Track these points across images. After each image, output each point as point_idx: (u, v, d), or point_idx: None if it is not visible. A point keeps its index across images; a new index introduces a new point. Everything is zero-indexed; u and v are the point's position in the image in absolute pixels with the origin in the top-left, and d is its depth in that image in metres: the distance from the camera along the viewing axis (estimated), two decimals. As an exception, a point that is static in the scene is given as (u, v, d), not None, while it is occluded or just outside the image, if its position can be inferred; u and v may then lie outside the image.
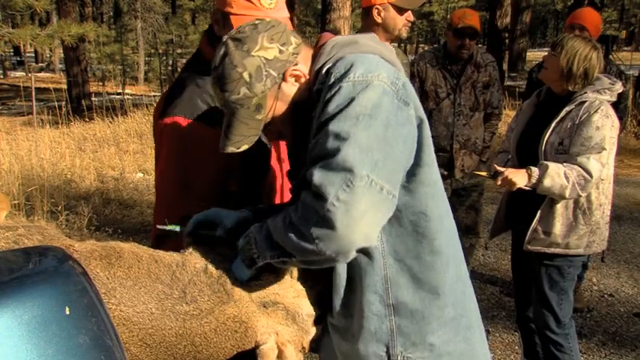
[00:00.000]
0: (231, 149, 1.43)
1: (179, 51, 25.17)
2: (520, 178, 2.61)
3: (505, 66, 20.61)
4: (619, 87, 2.72)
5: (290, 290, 1.46)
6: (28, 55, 33.32)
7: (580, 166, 2.58)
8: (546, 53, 2.77)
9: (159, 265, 1.33)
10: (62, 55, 20.38)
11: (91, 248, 1.30)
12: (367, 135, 1.23)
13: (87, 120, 11.68)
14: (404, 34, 3.10)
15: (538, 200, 2.73)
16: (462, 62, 3.80)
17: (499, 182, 2.64)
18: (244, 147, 1.44)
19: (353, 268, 1.45)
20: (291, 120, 1.46)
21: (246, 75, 1.36)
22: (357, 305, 1.48)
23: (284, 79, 1.40)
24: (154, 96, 15.62)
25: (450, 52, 3.81)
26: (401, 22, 3.05)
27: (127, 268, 1.29)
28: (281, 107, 1.43)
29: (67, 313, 0.78)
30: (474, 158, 3.93)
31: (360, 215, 1.20)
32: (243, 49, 1.36)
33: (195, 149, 1.79)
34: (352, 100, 1.26)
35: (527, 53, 23.79)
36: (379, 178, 1.23)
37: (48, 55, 32.81)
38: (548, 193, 2.63)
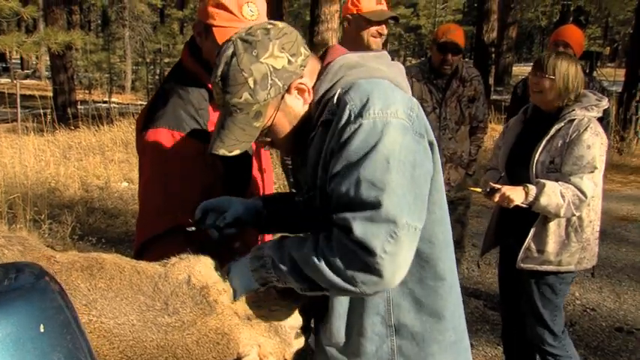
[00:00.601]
0: (222, 152, 1.41)
1: (167, 60, 25.09)
2: (517, 195, 2.62)
3: (491, 80, 20.80)
4: (605, 103, 2.76)
5: (273, 302, 1.46)
6: (13, 61, 33.07)
7: (574, 186, 2.61)
8: (532, 76, 2.77)
9: (141, 276, 1.32)
10: (48, 62, 20.27)
11: (73, 259, 1.29)
12: (400, 181, 1.25)
13: (72, 128, 11.62)
14: (373, 46, 3.15)
15: (529, 218, 2.75)
16: (447, 76, 3.83)
17: (496, 199, 2.64)
18: (236, 152, 1.42)
19: None
20: (288, 134, 1.44)
21: (251, 81, 1.33)
22: (357, 325, 1.49)
23: (288, 90, 1.38)
24: (141, 105, 15.56)
25: (434, 67, 3.84)
26: (368, 34, 3.13)
27: (108, 280, 1.28)
28: (280, 118, 1.41)
29: (42, 330, 0.78)
30: (460, 172, 3.96)
31: (404, 261, 1.26)
32: (253, 54, 1.33)
33: (179, 160, 1.79)
34: (378, 142, 1.25)
35: (513, 68, 24.07)
36: (414, 220, 1.26)
37: (34, 62, 32.59)
38: (543, 211, 2.65)
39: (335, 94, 1.35)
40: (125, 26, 24.19)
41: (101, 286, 1.27)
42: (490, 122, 11.61)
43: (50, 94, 17.04)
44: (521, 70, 24.97)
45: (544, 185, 2.60)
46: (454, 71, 3.84)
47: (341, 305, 1.49)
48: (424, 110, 4.41)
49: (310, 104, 1.42)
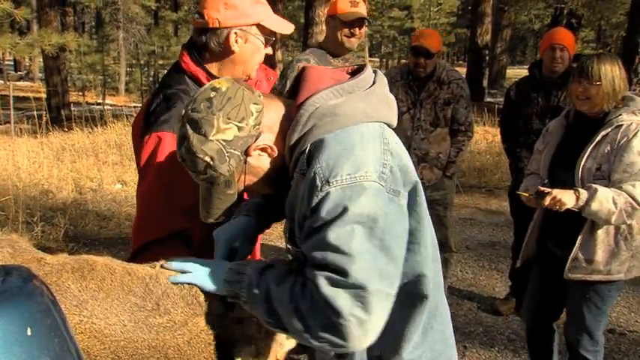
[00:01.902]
0: (210, 221, 1.45)
1: (161, 62, 25.08)
2: (569, 199, 2.54)
3: (485, 83, 20.90)
4: None
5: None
6: (6, 63, 32.98)
7: (627, 193, 2.52)
8: (576, 84, 2.66)
9: (132, 277, 1.33)
10: (42, 64, 20.21)
11: (64, 261, 1.29)
12: (368, 247, 1.23)
13: (66, 130, 11.58)
14: (346, 45, 3.31)
15: (575, 225, 2.68)
16: (423, 79, 3.95)
17: (547, 202, 2.56)
18: (222, 217, 1.46)
19: None
20: (266, 184, 1.44)
21: (208, 159, 1.33)
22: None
23: (247, 154, 1.37)
24: (135, 107, 15.52)
25: (411, 69, 3.97)
26: (342, 35, 3.29)
27: (99, 281, 1.28)
28: (251, 179, 1.40)
29: (29, 334, 0.78)
30: (435, 172, 4.03)
31: (373, 327, 1.24)
32: (201, 133, 1.32)
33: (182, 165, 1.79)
34: (345, 209, 1.23)
35: (507, 70, 24.14)
36: (385, 286, 1.24)
37: (27, 64, 32.50)
38: (594, 216, 2.56)
39: (306, 149, 1.31)
40: (119, 28, 24.15)
41: (92, 287, 1.27)
42: (484, 125, 11.71)
43: (44, 95, 17.01)
44: (515, 72, 25.06)
45: (596, 190, 2.52)
46: (430, 73, 3.95)
47: None
48: (399, 110, 4.53)
49: (283, 153, 1.38)
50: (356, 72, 1.46)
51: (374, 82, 1.41)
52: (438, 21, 29.91)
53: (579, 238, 2.67)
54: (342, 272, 1.22)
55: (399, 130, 4.52)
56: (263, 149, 1.37)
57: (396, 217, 1.29)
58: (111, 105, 18.04)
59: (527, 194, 2.76)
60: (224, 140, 1.32)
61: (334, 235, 1.22)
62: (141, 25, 24.37)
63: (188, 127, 1.34)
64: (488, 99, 19.01)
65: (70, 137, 10.85)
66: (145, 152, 1.85)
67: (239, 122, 1.33)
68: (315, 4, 10.34)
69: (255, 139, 1.36)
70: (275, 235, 5.78)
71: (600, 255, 2.65)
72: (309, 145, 1.31)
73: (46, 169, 8.11)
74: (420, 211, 1.39)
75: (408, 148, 3.89)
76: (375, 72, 1.45)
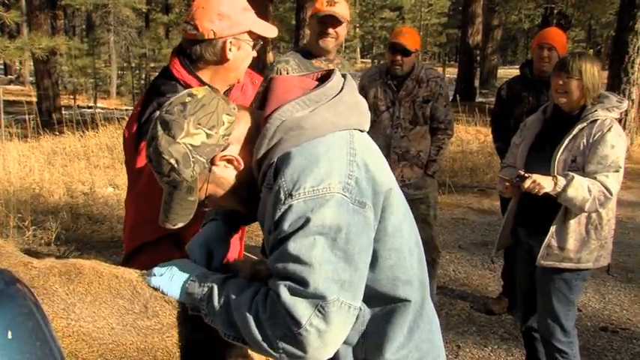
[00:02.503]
0: (168, 226, 1.43)
1: (152, 65, 24.98)
2: (547, 183, 2.67)
3: (477, 83, 20.96)
4: (625, 105, 2.83)
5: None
6: (-3, 67, 32.85)
7: (600, 183, 2.66)
8: (557, 78, 2.79)
9: (120, 280, 1.32)
10: (32, 67, 20.12)
11: (50, 265, 1.29)
12: (330, 258, 1.23)
13: (57, 134, 11.51)
14: (321, 45, 3.28)
15: (548, 215, 2.80)
16: (401, 77, 3.95)
17: (527, 184, 2.68)
18: (180, 224, 1.44)
19: None
20: (232, 199, 1.44)
21: (173, 161, 1.33)
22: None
23: (213, 163, 1.37)
24: (126, 110, 15.49)
25: (388, 68, 3.98)
26: (316, 34, 3.27)
27: (87, 284, 1.28)
28: (213, 189, 1.40)
29: (10, 337, 0.77)
30: (415, 170, 4.03)
31: (333, 339, 1.24)
32: (170, 135, 1.33)
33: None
34: (307, 220, 1.23)
35: (499, 70, 24.21)
36: (347, 298, 1.24)
37: (18, 68, 32.35)
38: (569, 203, 2.69)
39: (273, 163, 1.32)
40: (110, 31, 24.05)
41: (79, 290, 1.26)
42: (475, 125, 11.73)
43: (34, 99, 16.92)
44: (507, 72, 25.15)
45: (573, 177, 2.65)
46: (409, 72, 3.95)
47: None
48: (379, 109, 4.48)
49: (251, 167, 1.39)
50: (325, 77, 1.45)
51: (342, 89, 1.40)
52: (429, 21, 30.01)
53: (553, 226, 2.80)
54: (303, 282, 1.22)
55: (378, 128, 4.50)
56: (229, 161, 1.38)
57: (360, 228, 1.28)
58: (102, 108, 17.95)
59: (507, 178, 2.86)
60: (191, 145, 1.33)
61: (295, 245, 1.23)
62: (132, 28, 24.25)
63: (159, 127, 1.35)
64: (479, 99, 19.07)
65: (62, 141, 10.80)
66: (141, 157, 1.85)
67: (209, 130, 1.33)
68: (306, 6, 10.36)
69: (223, 149, 1.36)
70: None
71: (572, 243, 2.78)
72: (275, 159, 1.31)
73: (37, 172, 8.07)
74: (396, 217, 1.38)
75: (388, 146, 3.92)
76: (344, 76, 1.45)
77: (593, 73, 2.73)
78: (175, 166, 1.33)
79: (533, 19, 20.78)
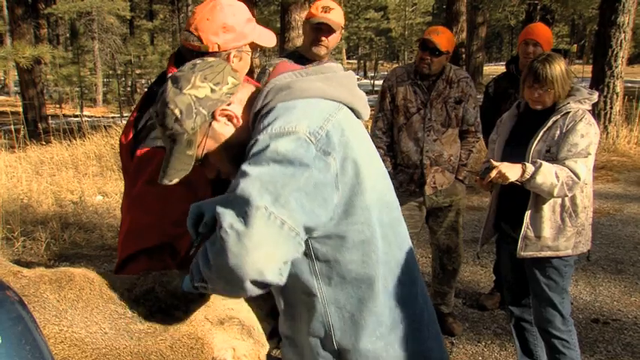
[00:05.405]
0: (165, 182, 1.49)
1: (138, 72, 24.92)
2: (513, 172, 2.71)
3: (463, 80, 21.02)
4: (595, 97, 2.93)
5: (244, 305, 1.47)
6: (-19, 78, 32.59)
7: (569, 168, 2.74)
8: (530, 89, 2.85)
9: (111, 286, 1.32)
10: (17, 77, 19.99)
11: (40, 273, 1.29)
12: (270, 172, 1.25)
13: (44, 143, 11.44)
14: (314, 51, 3.29)
15: (525, 205, 2.87)
16: (432, 78, 3.78)
17: (492, 174, 2.71)
18: (175, 180, 1.49)
19: (296, 305, 1.47)
20: (230, 159, 1.48)
21: (177, 111, 1.41)
22: (306, 346, 1.49)
23: (214, 117, 1.45)
24: (113, 117, 15.43)
25: (416, 67, 3.80)
26: (312, 42, 3.28)
27: (78, 290, 1.28)
28: (211, 145, 1.47)
29: None
30: (447, 176, 3.83)
31: (253, 247, 1.20)
32: (178, 87, 1.43)
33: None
34: (265, 147, 1.28)
35: (484, 67, 24.33)
36: (280, 213, 1.23)
37: (2, 78, 32.13)
38: (538, 189, 2.75)
39: (260, 116, 1.41)
40: (94, 39, 23.98)
41: (71, 296, 1.26)
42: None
43: (20, 109, 16.80)
44: (492, 69, 25.31)
45: (541, 164, 2.71)
46: (440, 72, 3.78)
47: (282, 306, 1.51)
48: (409, 111, 4.32)
49: (248, 127, 1.46)
50: None
51: (339, 74, 1.50)
52: (413, 21, 30.09)
53: (527, 214, 2.87)
54: (234, 187, 1.26)
55: (409, 131, 4.39)
56: (229, 117, 1.46)
57: (319, 166, 1.29)
58: (89, 116, 17.88)
59: (474, 172, 2.87)
60: (195, 96, 1.42)
61: (247, 167, 1.27)
62: (116, 35, 24.18)
63: (169, 82, 1.45)
64: (466, 96, 19.12)
65: (49, 150, 10.73)
66: (137, 164, 1.85)
67: (214, 85, 1.44)
68: (291, 9, 10.34)
69: (225, 105, 1.45)
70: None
71: (548, 231, 2.85)
72: (263, 113, 1.40)
73: (24, 183, 8.02)
74: (361, 194, 1.38)
75: (420, 150, 3.76)
76: (346, 70, 1.53)
77: (564, 76, 2.81)
78: (179, 116, 1.41)
79: (518, 16, 20.92)
